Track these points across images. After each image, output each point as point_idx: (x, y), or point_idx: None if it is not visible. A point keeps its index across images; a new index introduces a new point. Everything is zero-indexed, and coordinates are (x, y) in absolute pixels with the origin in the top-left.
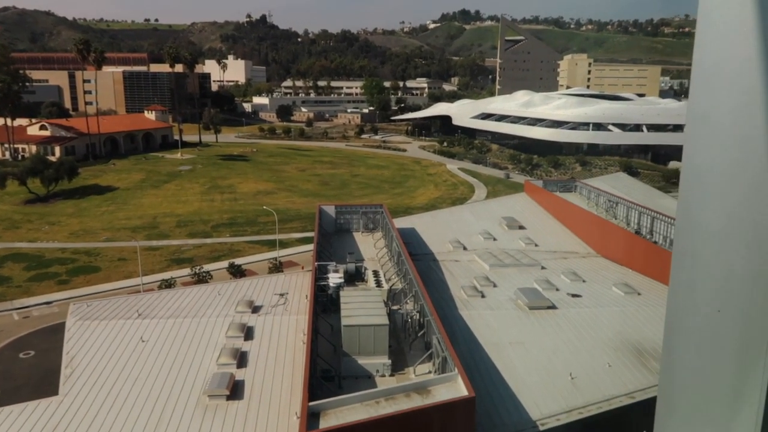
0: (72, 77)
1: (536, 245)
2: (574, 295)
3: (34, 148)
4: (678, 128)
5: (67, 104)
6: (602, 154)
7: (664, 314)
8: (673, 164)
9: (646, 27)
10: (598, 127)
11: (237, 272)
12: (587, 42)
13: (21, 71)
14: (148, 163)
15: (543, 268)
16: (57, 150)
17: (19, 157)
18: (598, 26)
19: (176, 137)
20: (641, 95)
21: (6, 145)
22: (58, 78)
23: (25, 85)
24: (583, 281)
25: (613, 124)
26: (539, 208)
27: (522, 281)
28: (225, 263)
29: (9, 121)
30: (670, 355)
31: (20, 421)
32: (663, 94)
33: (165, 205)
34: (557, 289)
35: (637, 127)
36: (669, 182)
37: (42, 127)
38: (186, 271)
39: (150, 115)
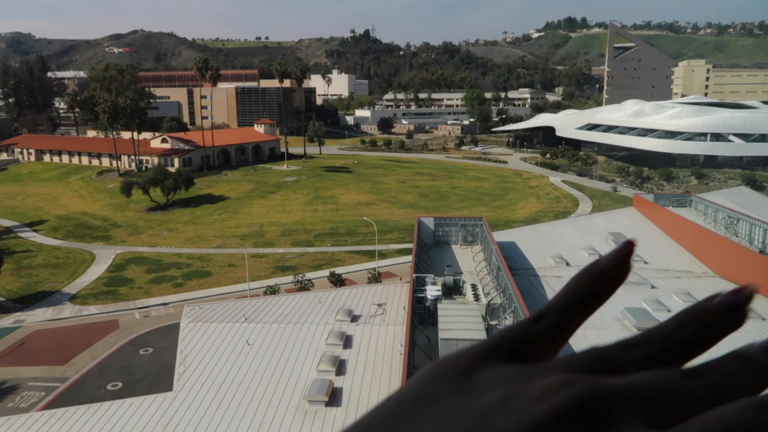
0: (190, 93)
1: (645, 262)
2: None
3: (156, 160)
4: None
5: (186, 119)
6: (722, 166)
7: None
8: None
9: None
10: (717, 137)
11: (337, 281)
12: (705, 47)
13: (146, 89)
14: (256, 174)
15: (653, 287)
16: (176, 161)
17: (143, 168)
18: (718, 29)
19: (283, 149)
20: None
21: (132, 157)
22: (178, 94)
23: (150, 102)
24: None
25: (735, 134)
26: (649, 224)
27: (629, 300)
28: (326, 272)
29: (135, 135)
30: None
31: (139, 413)
32: None
33: (271, 214)
34: (669, 311)
35: (762, 138)
36: None
37: (163, 141)
38: (289, 278)
39: (259, 129)
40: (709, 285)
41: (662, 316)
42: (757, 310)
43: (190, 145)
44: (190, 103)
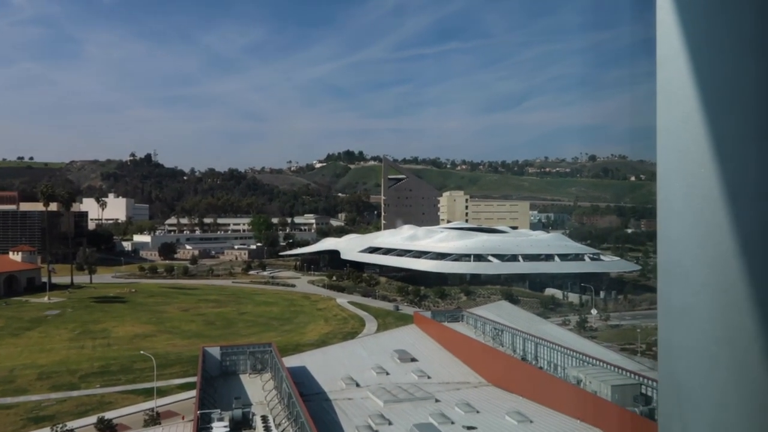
0: None
1: (429, 377)
2: (469, 428)
3: None
4: (549, 258)
5: None
6: (485, 283)
7: None
8: (548, 291)
9: (512, 167)
10: (479, 258)
11: (106, 428)
12: (463, 180)
13: None
14: (8, 309)
15: (437, 400)
16: None
17: None
18: (471, 166)
19: (45, 279)
20: (514, 228)
21: None
22: None
23: None
24: (477, 412)
25: (492, 255)
26: (429, 339)
27: (417, 416)
28: (93, 418)
29: None
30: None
31: None
32: (533, 226)
33: (25, 355)
34: (452, 423)
35: (513, 257)
36: (547, 308)
37: None
38: (45, 431)
39: (15, 257)
40: (485, 394)
41: (447, 429)
42: (526, 413)
43: None
44: None
